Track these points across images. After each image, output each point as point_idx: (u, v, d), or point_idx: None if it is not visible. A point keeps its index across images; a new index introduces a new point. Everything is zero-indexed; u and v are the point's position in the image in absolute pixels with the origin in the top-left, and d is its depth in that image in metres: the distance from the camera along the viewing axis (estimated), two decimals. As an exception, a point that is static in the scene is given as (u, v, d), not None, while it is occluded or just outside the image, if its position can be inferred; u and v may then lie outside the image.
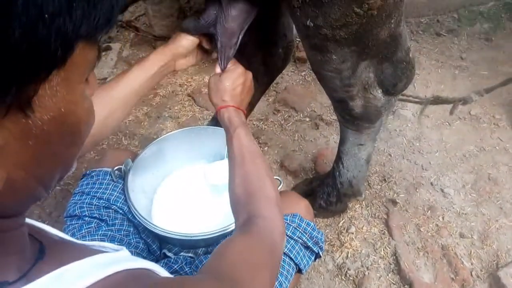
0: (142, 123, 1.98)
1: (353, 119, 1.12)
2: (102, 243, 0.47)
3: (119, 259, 0.39)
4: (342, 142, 1.26)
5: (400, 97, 1.62)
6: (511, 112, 1.81)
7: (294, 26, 1.15)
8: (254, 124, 1.90)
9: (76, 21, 0.28)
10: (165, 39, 2.45)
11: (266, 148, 1.77)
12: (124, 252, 0.43)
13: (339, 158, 1.31)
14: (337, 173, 1.34)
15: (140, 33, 2.57)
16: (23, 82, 0.27)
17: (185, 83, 2.24)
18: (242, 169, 0.77)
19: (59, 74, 0.29)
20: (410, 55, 0.99)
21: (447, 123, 1.79)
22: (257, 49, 1.29)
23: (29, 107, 0.28)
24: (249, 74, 1.01)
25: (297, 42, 1.93)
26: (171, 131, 1.27)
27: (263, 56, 1.31)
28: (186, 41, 0.94)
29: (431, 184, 1.55)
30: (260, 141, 1.81)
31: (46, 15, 0.26)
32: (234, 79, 0.95)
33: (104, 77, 2.29)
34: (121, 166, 1.08)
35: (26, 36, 0.25)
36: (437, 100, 1.62)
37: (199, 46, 0.99)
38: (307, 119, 1.90)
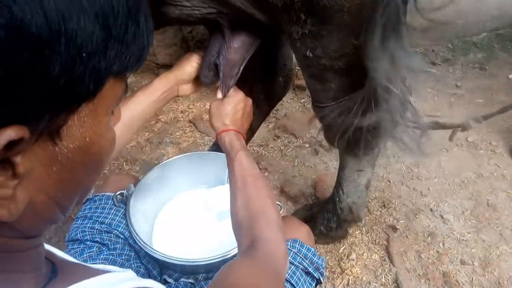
0: (144, 149, 2.01)
1: (351, 146, 1.14)
2: (106, 266, 0.48)
3: (126, 278, 0.40)
4: (341, 168, 1.28)
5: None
6: (507, 138, 1.84)
7: (293, 56, 1.19)
8: (254, 150, 1.93)
9: (110, 60, 0.31)
10: (168, 67, 2.51)
11: (266, 174, 1.78)
12: (130, 273, 0.44)
13: (338, 184, 1.33)
14: (337, 198, 1.35)
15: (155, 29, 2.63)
16: (56, 112, 0.29)
17: (187, 109, 2.28)
18: (244, 192, 0.78)
19: (88, 107, 0.31)
20: (407, 84, 1.02)
21: (444, 150, 1.82)
22: (258, 77, 1.33)
23: (58, 135, 0.30)
24: (249, 100, 1.04)
25: (296, 70, 1.98)
26: (172, 157, 1.28)
27: (263, 84, 1.35)
28: (190, 68, 0.98)
29: (431, 210, 1.56)
30: (260, 167, 1.83)
31: (84, 55, 0.28)
32: (235, 104, 0.98)
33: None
34: (123, 191, 1.09)
35: (65, 72, 0.27)
36: (436, 126, 1.65)
37: None
38: (307, 145, 1.92)
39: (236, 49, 1.00)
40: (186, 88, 1.02)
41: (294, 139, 1.98)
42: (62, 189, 0.33)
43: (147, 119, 0.96)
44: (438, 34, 2.30)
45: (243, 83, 1.11)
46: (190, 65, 0.98)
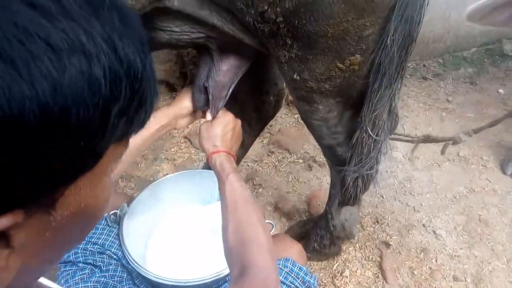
0: (139, 165, 2.01)
1: (342, 164, 1.16)
2: None
3: None
4: (333, 185, 1.30)
5: (391, 136, 1.68)
6: (497, 153, 1.87)
7: (284, 76, 1.22)
8: (249, 166, 1.94)
9: (113, 135, 0.30)
10: (163, 82, 2.53)
11: (260, 190, 1.79)
12: None
13: (330, 201, 1.34)
14: (329, 216, 1.36)
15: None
16: (53, 191, 0.29)
17: (186, 135, 2.29)
18: (235, 216, 0.80)
19: (86, 176, 0.30)
20: (394, 101, 1.05)
21: (436, 165, 1.84)
22: (249, 97, 1.35)
23: (53, 207, 0.29)
24: (239, 121, 1.06)
25: (289, 87, 2.01)
26: (167, 173, 1.30)
27: (255, 104, 1.37)
28: (188, 103, 1.02)
29: (423, 225, 1.57)
30: (254, 183, 1.84)
31: (87, 138, 0.28)
32: (225, 125, 1.00)
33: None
34: (116, 211, 1.10)
35: (64, 157, 0.27)
36: (428, 139, 1.67)
37: None
38: (301, 161, 1.94)
39: (225, 72, 1.02)
40: (183, 122, 1.05)
41: (288, 154, 1.99)
42: (54, 248, 0.33)
43: (144, 150, 0.97)
44: (429, 50, 2.34)
45: (235, 102, 1.13)
46: (188, 100, 1.01)
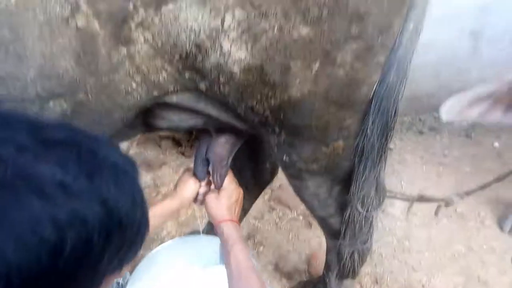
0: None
1: (336, 235, 1.21)
2: None
3: None
4: (328, 251, 1.33)
5: (389, 194, 1.72)
6: (495, 209, 1.89)
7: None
8: (250, 222, 1.98)
9: (105, 275, 0.37)
10: (169, 138, 2.64)
11: (261, 248, 1.82)
12: None
13: (327, 265, 1.37)
14: (327, 279, 1.39)
15: (145, 132, 2.77)
16: None
17: (186, 180, 2.36)
18: (238, 285, 0.88)
19: None
20: (380, 179, 1.11)
21: (434, 222, 1.86)
22: (247, 164, 1.43)
23: None
24: (241, 190, 1.17)
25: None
26: (170, 231, 1.35)
27: (252, 170, 1.44)
28: (191, 193, 1.12)
29: (423, 286, 1.58)
30: (255, 240, 1.88)
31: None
32: (230, 196, 1.11)
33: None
34: (119, 280, 1.15)
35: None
36: (422, 199, 1.71)
37: None
38: (301, 217, 1.97)
39: (223, 145, 1.12)
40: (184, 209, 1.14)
41: (289, 210, 2.03)
42: None
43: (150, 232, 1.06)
44: (424, 104, 2.42)
45: (234, 168, 1.21)
46: (191, 188, 1.12)
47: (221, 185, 1.13)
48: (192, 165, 1.18)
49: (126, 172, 0.41)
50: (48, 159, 0.34)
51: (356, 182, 1.00)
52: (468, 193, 1.53)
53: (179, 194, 1.13)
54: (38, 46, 0.71)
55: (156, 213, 1.04)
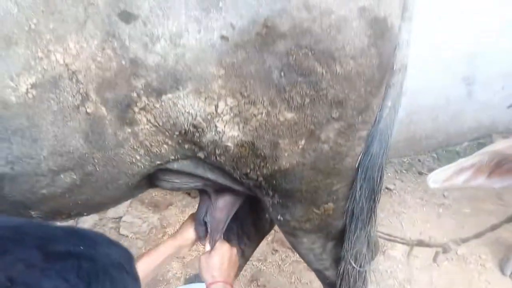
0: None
1: (332, 284, 1.25)
2: None
3: None
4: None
5: (387, 237, 1.76)
6: (496, 251, 1.90)
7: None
8: (254, 265, 2.01)
9: None
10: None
11: (264, 292, 1.85)
12: None
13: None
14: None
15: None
16: None
17: (191, 220, 2.41)
18: None
19: None
20: (371, 237, 1.16)
21: (435, 264, 1.88)
22: (247, 214, 1.48)
23: None
24: (234, 249, 1.20)
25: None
26: (176, 272, 1.40)
27: (253, 220, 1.50)
28: (192, 234, 1.17)
29: (424, 333, 1.59)
30: (259, 283, 1.90)
31: None
32: (222, 256, 1.14)
33: (119, 216, 2.50)
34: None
35: None
36: (421, 244, 1.74)
37: None
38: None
39: (221, 208, 1.17)
40: (186, 249, 1.19)
41: (291, 253, 2.06)
42: None
43: (151, 277, 1.11)
44: (423, 145, 2.48)
45: (235, 218, 1.27)
46: (192, 231, 1.18)
47: (214, 245, 1.18)
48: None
49: (122, 269, 0.48)
50: (52, 272, 0.40)
51: (348, 240, 1.05)
52: (464, 241, 1.56)
53: (182, 235, 1.18)
54: (51, 129, 0.79)
55: (159, 251, 1.09)
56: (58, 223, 0.64)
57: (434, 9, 1.92)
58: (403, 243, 1.86)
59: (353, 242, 1.05)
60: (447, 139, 2.48)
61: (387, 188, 2.25)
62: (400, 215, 2.15)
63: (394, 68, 0.85)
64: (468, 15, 2.04)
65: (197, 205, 1.24)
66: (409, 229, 2.08)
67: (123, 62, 0.75)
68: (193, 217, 1.22)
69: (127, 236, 2.41)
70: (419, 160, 2.53)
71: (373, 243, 1.13)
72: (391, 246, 1.98)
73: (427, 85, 2.09)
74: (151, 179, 1.08)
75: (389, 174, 2.35)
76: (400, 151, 2.45)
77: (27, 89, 0.73)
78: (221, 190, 1.15)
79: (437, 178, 0.96)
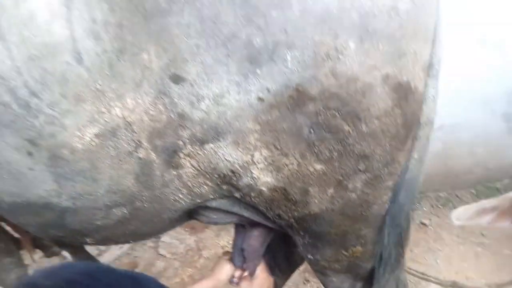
0: (186, 287, 2.19)
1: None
2: None
3: None
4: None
5: (421, 276, 1.74)
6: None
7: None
8: (285, 294, 2.04)
9: None
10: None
11: (294, 324, 1.87)
12: None
13: None
14: None
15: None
16: None
17: (227, 244, 2.49)
18: None
19: None
20: (400, 280, 1.18)
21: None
22: (280, 247, 1.54)
23: None
24: (271, 278, 1.28)
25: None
26: None
27: (285, 253, 1.55)
28: (226, 275, 1.24)
29: None
30: (290, 314, 1.93)
31: None
32: (261, 285, 1.22)
33: (159, 236, 2.62)
34: None
35: None
36: (455, 285, 1.71)
37: None
38: (334, 293, 2.01)
39: (256, 237, 1.25)
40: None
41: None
42: None
43: None
44: (460, 180, 2.42)
45: (268, 251, 1.33)
46: (225, 273, 1.24)
47: (254, 273, 1.25)
48: (230, 249, 1.32)
49: None
50: None
51: (378, 283, 1.08)
52: (499, 286, 1.53)
53: (216, 275, 1.26)
54: (108, 171, 0.91)
55: None
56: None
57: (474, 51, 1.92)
58: (436, 283, 1.83)
59: (382, 285, 1.08)
60: (486, 175, 2.41)
61: (422, 223, 2.22)
62: (435, 252, 2.11)
63: (421, 122, 0.90)
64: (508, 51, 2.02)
65: (231, 228, 1.30)
66: (445, 268, 2.04)
67: (172, 116, 0.85)
68: (225, 257, 1.29)
69: (164, 256, 2.52)
70: (457, 196, 2.48)
71: (402, 286, 1.15)
72: (425, 284, 1.94)
73: (465, 120, 2.06)
74: (190, 214, 1.17)
75: (424, 209, 2.32)
76: (436, 186, 2.41)
77: (91, 138, 0.85)
78: (255, 224, 1.22)
79: (460, 215, 0.98)
